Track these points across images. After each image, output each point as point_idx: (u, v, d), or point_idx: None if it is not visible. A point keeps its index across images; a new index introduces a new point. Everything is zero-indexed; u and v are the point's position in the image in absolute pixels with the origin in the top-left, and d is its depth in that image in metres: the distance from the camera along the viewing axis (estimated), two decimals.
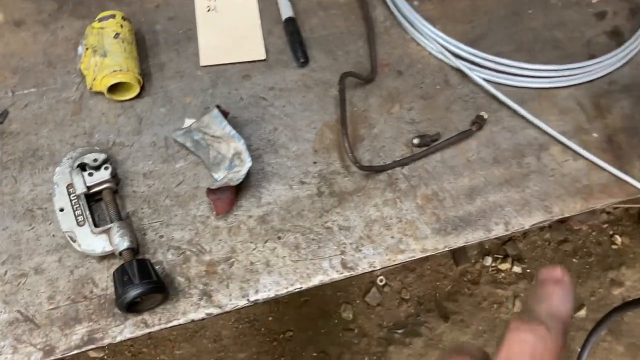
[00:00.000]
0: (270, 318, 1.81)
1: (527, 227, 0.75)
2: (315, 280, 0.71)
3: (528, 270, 1.90)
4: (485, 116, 0.80)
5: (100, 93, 0.78)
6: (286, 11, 0.86)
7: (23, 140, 0.76)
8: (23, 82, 0.80)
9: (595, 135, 0.81)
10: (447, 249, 0.74)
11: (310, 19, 0.88)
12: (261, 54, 0.83)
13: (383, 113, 0.81)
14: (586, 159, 0.79)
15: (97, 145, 0.76)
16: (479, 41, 0.87)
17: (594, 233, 1.95)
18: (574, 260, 1.92)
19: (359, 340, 1.82)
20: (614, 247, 1.94)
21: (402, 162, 0.77)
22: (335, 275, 0.71)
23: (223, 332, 1.79)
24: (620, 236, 1.95)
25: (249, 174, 0.74)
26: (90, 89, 0.77)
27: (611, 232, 1.96)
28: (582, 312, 1.85)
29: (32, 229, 0.71)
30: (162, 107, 0.80)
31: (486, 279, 1.91)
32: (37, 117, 0.78)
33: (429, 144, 0.78)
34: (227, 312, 0.69)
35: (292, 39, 0.84)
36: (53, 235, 0.71)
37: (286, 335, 1.80)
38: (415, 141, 0.78)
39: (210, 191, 0.71)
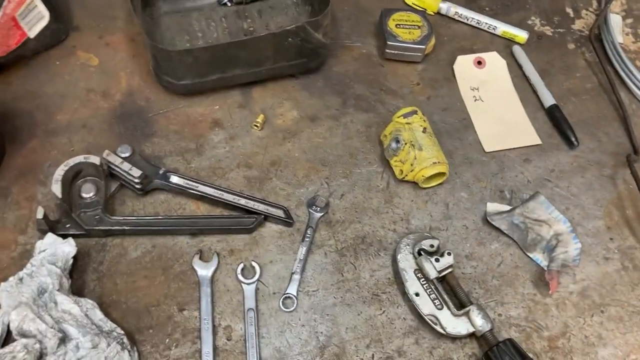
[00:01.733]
0: None
1: None
2: None
3: None
4: None
5: (404, 181, 0.85)
6: (548, 99, 0.94)
7: (350, 229, 0.81)
8: (333, 173, 0.86)
9: None
10: None
11: (566, 105, 0.96)
12: (536, 139, 0.91)
13: None
14: None
15: (416, 231, 0.82)
16: None
17: None
18: None
19: None
20: None
21: None
22: None
23: None
24: None
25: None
26: (403, 179, 0.84)
27: None
28: None
29: (382, 312, 0.75)
30: (462, 192, 0.86)
31: None
32: (355, 206, 0.83)
33: None
34: None
35: (559, 124, 0.92)
36: (404, 319, 0.75)
37: None
38: None
39: (547, 272, 0.77)
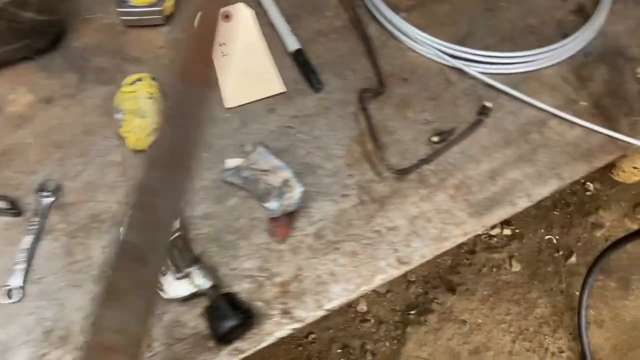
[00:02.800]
0: None
1: (546, 194, 0.85)
2: (378, 280, 0.79)
3: (517, 231, 2.03)
4: (490, 105, 0.90)
5: (143, 151, 0.84)
6: (292, 44, 0.93)
7: (83, 209, 0.81)
8: (68, 154, 0.85)
9: (583, 103, 0.92)
10: (484, 228, 0.83)
11: (315, 47, 0.95)
12: (280, 87, 0.91)
13: (400, 119, 0.90)
14: (581, 125, 0.89)
15: None
16: (466, 39, 0.97)
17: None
18: (556, 212, 2.06)
19: (377, 329, 1.91)
20: (588, 193, 2.10)
21: (427, 160, 0.86)
22: (395, 272, 0.79)
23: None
24: (592, 183, 2.10)
25: None
26: (136, 150, 0.83)
27: (583, 181, 2.11)
28: (573, 259, 2.00)
29: None
30: (204, 152, 0.86)
31: (481, 247, 2.03)
32: (90, 185, 0.83)
33: (446, 139, 0.88)
34: (308, 324, 0.76)
35: (304, 68, 0.92)
36: None
37: (309, 338, 1.88)
38: (435, 139, 0.87)
39: (270, 220, 0.79)
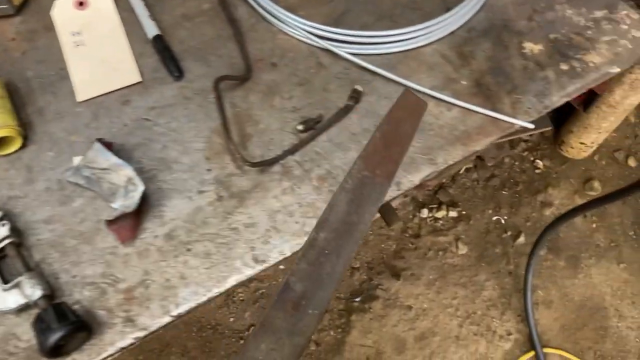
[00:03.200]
0: (231, 319, 1.84)
1: (417, 182, 0.80)
2: (232, 281, 0.74)
3: (463, 212, 1.98)
4: (360, 89, 0.84)
5: None
6: (151, 30, 0.87)
7: None
8: None
9: (464, 82, 0.86)
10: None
11: (178, 32, 0.89)
12: (136, 77, 0.85)
13: (265, 107, 0.84)
14: (459, 106, 0.84)
15: None
16: (343, 18, 0.91)
17: (516, 163, 2.05)
18: (504, 192, 2.02)
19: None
20: (537, 171, 2.05)
21: (292, 150, 0.80)
22: (250, 272, 0.74)
23: (189, 344, 1.81)
24: (541, 160, 2.05)
25: (146, 196, 0.76)
26: None
27: (532, 158, 2.06)
28: (521, 239, 1.95)
29: None
30: (49, 151, 0.80)
31: (426, 230, 1.98)
32: None
33: (313, 127, 0.82)
34: (153, 332, 0.71)
35: (163, 55, 0.86)
36: None
37: (250, 331, 1.84)
38: (300, 127, 0.81)
39: (109, 222, 0.73)
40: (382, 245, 1.95)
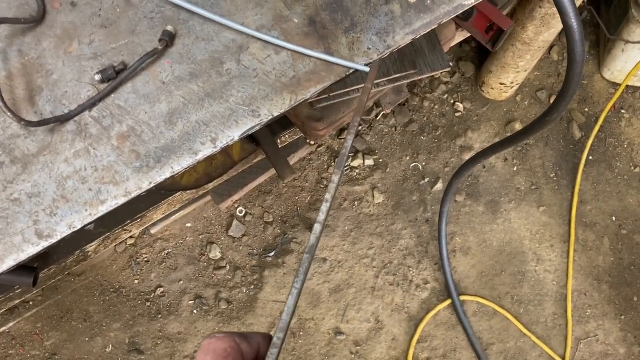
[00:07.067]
0: (136, 281, 1.76)
1: (236, 138, 0.70)
2: (10, 262, 0.64)
3: (380, 160, 1.90)
4: (173, 30, 0.72)
5: None
6: None
7: None
8: None
9: (296, 20, 0.75)
10: (153, 185, 0.68)
11: None
12: None
13: (60, 55, 0.72)
14: (289, 49, 0.73)
15: None
16: None
17: (436, 106, 1.96)
18: (423, 138, 1.93)
19: (232, 275, 1.79)
20: (457, 114, 1.96)
21: (88, 105, 0.69)
22: (32, 250, 0.64)
23: (91, 308, 1.73)
24: (462, 102, 1.96)
25: None
26: None
27: (452, 101, 1.97)
28: (439, 186, 1.89)
29: None
30: None
31: (342, 180, 1.90)
32: None
33: (114, 77, 0.70)
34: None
35: None
36: None
37: (157, 292, 1.76)
38: (98, 77, 0.70)
39: None
40: (296, 198, 1.86)
